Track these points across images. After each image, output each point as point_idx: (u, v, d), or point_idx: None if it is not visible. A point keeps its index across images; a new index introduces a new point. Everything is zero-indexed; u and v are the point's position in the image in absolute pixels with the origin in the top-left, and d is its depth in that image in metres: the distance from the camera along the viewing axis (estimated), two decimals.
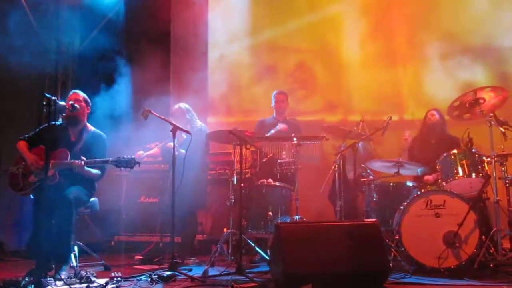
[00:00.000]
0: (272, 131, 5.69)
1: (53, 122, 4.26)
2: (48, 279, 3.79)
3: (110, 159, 4.28)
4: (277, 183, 5.07)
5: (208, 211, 6.05)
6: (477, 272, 4.07)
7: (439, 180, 4.80)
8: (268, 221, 4.83)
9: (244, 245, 4.90)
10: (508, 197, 4.63)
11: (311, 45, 7.37)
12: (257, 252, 4.89)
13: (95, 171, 4.42)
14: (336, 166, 5.19)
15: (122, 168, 4.28)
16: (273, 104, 6.01)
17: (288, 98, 6.06)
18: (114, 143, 4.84)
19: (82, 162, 4.24)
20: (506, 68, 6.47)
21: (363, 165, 5.20)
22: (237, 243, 4.78)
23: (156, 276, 3.96)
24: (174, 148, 4.47)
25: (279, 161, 5.24)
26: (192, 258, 5.30)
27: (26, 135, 4.56)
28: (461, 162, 4.62)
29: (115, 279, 3.82)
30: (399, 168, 4.95)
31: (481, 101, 4.58)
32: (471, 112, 4.72)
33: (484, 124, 4.56)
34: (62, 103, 4.23)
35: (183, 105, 5.47)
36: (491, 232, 4.39)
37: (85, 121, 4.64)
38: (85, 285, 3.72)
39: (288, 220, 4.82)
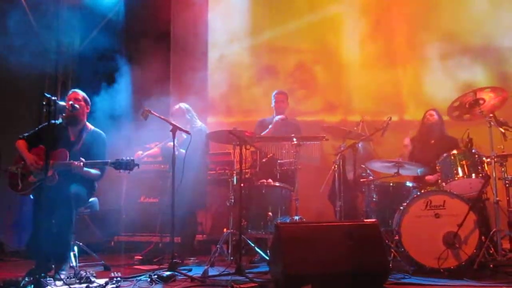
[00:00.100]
0: (271, 126, 5.72)
1: (53, 121, 4.25)
2: (48, 279, 3.79)
3: (109, 161, 4.26)
4: (277, 183, 5.06)
5: (208, 211, 6.05)
6: (477, 272, 4.07)
7: (439, 181, 4.80)
8: (268, 221, 4.82)
9: (244, 245, 4.91)
10: (508, 198, 4.63)
11: (311, 45, 7.36)
12: (257, 252, 4.90)
13: (94, 171, 4.42)
14: (336, 166, 5.18)
15: (121, 170, 4.26)
16: (273, 104, 6.01)
17: (288, 98, 6.06)
18: (114, 143, 4.84)
19: (81, 163, 4.23)
20: (506, 68, 6.47)
21: (363, 166, 5.19)
22: (237, 243, 4.77)
23: (155, 276, 3.96)
24: (174, 148, 4.47)
25: (279, 161, 5.25)
26: (192, 258, 5.30)
27: (25, 134, 4.55)
28: (461, 162, 4.62)
29: (115, 279, 3.82)
30: (399, 169, 4.95)
31: (481, 101, 4.58)
32: (471, 113, 4.72)
33: (484, 124, 4.56)
34: (62, 103, 4.23)
35: (183, 105, 5.47)
36: (491, 233, 4.39)
37: (85, 120, 4.64)
38: (84, 285, 3.73)
39: (288, 221, 4.81)
